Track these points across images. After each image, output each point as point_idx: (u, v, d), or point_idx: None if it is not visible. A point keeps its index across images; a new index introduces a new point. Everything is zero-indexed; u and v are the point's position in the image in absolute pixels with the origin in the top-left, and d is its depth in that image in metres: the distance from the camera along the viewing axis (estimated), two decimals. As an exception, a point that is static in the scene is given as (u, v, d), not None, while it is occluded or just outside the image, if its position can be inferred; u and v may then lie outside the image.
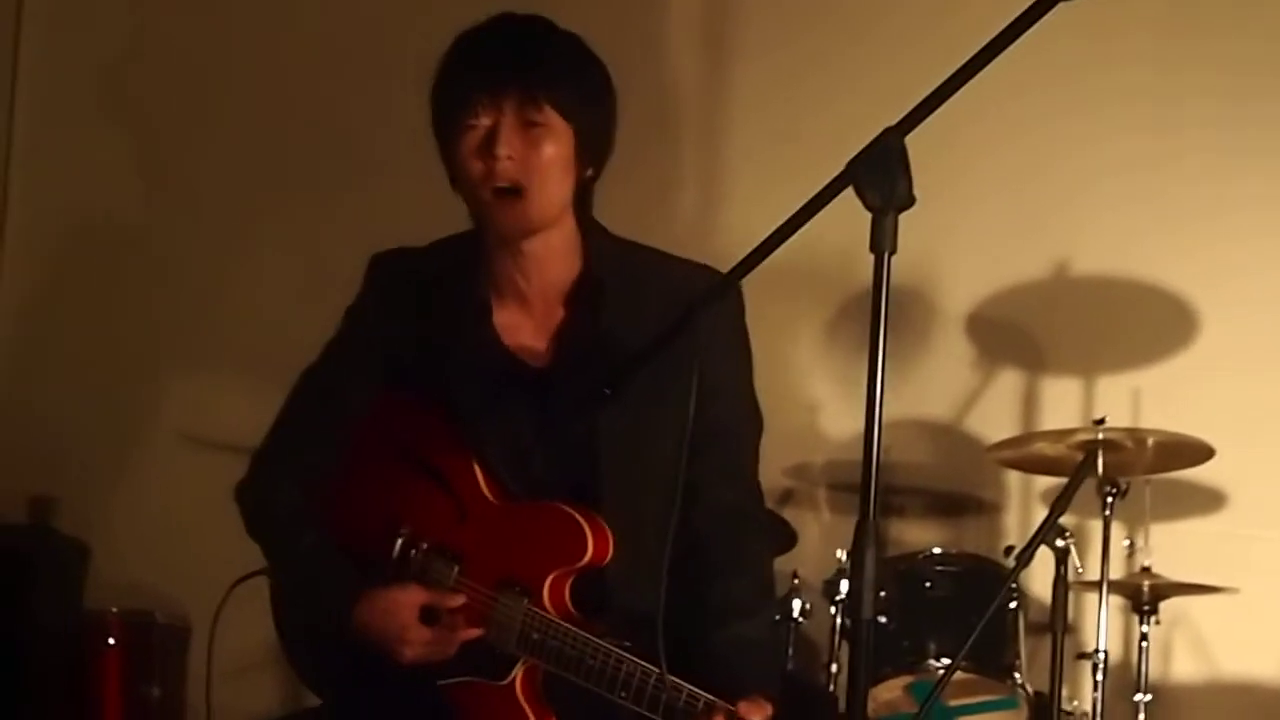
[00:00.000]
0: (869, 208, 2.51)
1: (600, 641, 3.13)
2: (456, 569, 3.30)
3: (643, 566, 3.12)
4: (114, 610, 5.52)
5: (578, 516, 3.22)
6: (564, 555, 3.23)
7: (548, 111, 3.20)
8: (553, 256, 3.32)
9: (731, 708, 3.03)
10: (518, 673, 3.24)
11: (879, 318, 2.49)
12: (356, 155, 5.89)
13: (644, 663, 3.06)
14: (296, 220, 5.92)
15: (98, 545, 5.84)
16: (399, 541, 3.35)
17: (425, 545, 3.34)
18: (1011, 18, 2.43)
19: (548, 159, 3.21)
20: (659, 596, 2.89)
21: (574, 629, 3.16)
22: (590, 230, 3.38)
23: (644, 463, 3.22)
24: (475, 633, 3.26)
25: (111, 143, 6.14)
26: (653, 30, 5.69)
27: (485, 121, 3.21)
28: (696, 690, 3.04)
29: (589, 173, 3.31)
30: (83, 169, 6.13)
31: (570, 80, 3.25)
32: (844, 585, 4.62)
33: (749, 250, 2.76)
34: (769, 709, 3.09)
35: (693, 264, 3.36)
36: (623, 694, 3.09)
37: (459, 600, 3.28)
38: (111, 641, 5.42)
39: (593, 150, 3.30)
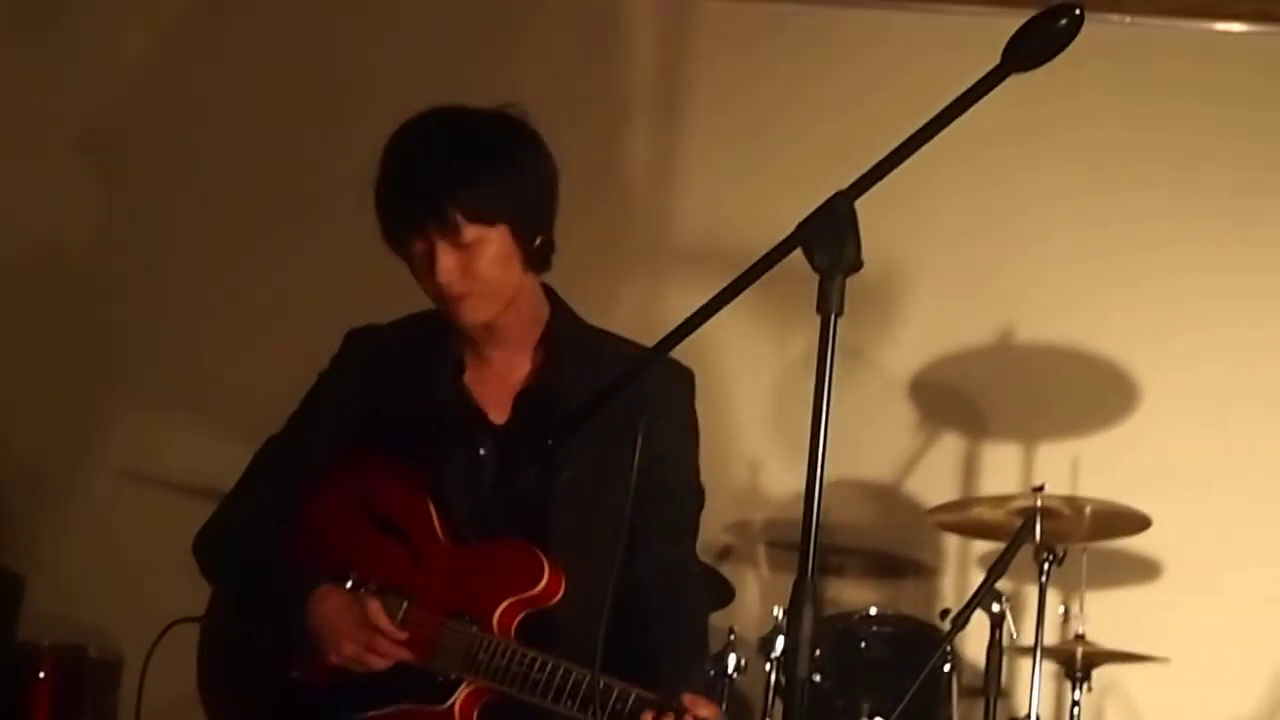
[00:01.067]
0: (816, 269, 2.52)
1: (547, 656, 3.20)
2: (406, 604, 3.34)
3: (589, 613, 3.14)
4: (47, 643, 5.48)
5: (537, 550, 3.32)
6: (518, 584, 3.30)
7: (473, 229, 3.29)
8: (517, 323, 3.45)
9: (675, 704, 3.09)
10: (459, 697, 3.28)
11: (823, 378, 2.50)
12: (318, 197, 5.88)
13: (587, 671, 3.13)
14: (254, 261, 5.90)
15: (33, 577, 5.79)
16: (348, 584, 3.38)
17: (374, 586, 3.37)
18: (961, 78, 2.45)
19: (485, 264, 3.32)
20: (599, 621, 2.96)
21: (521, 646, 3.23)
22: (554, 297, 3.52)
23: (594, 516, 3.30)
24: (405, 653, 3.29)
25: (68, 172, 6.09)
26: (598, 95, 5.71)
27: (420, 247, 3.32)
28: (643, 691, 3.11)
29: (537, 241, 3.41)
30: (37, 196, 6.08)
31: (489, 187, 3.32)
32: (780, 642, 4.62)
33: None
34: (715, 708, 3.16)
35: (643, 347, 3.41)
36: (568, 703, 3.15)
37: (402, 635, 3.31)
38: (43, 675, 5.37)
39: (532, 227, 3.39)
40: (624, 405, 3.07)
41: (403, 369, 3.50)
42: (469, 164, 3.33)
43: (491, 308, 3.36)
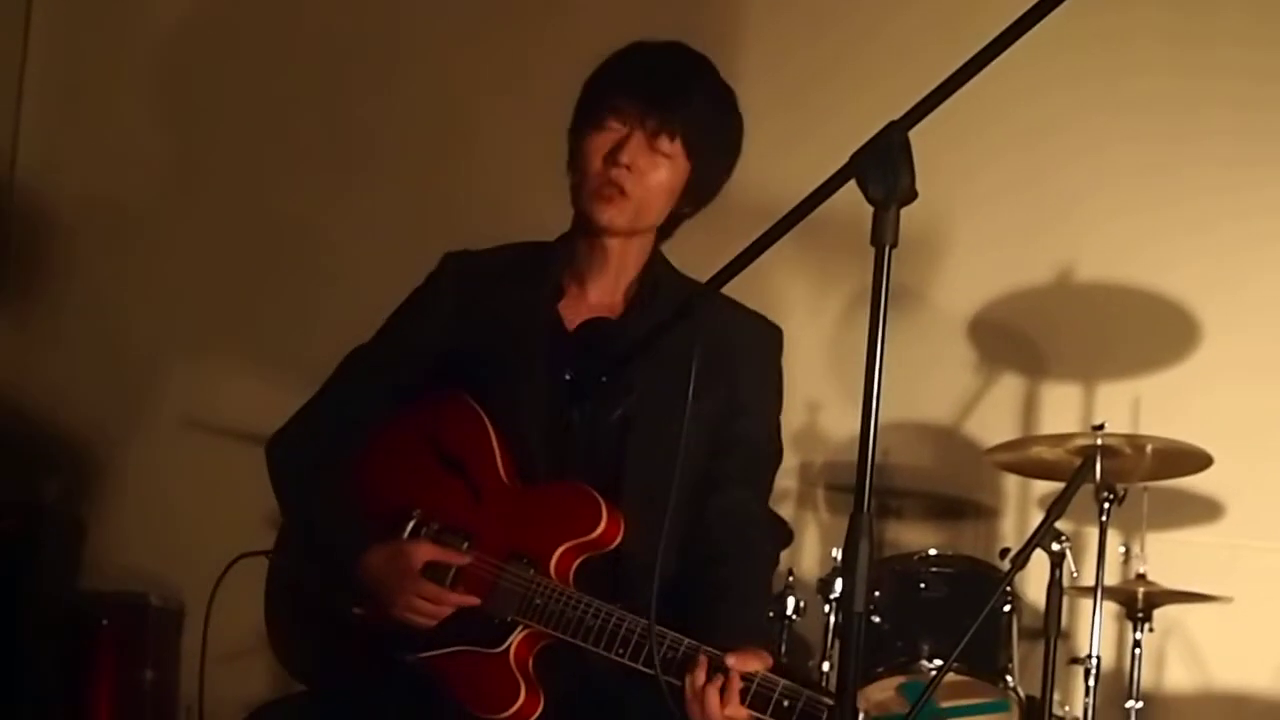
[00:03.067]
0: (870, 201, 2.53)
1: (602, 602, 3.21)
2: (466, 544, 3.35)
3: (652, 560, 3.14)
4: (109, 592, 5.52)
5: (595, 494, 3.31)
6: (576, 528, 3.30)
7: (676, 145, 3.41)
8: (625, 261, 3.50)
9: (725, 656, 3.10)
10: (514, 640, 3.28)
11: (878, 309, 2.50)
12: (376, 148, 5.90)
13: (642, 620, 3.14)
14: (307, 210, 5.92)
15: (94, 527, 5.84)
16: (411, 523, 3.39)
17: (436, 526, 3.38)
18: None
19: (659, 183, 3.41)
20: (658, 553, 3.04)
21: (577, 592, 3.24)
22: (658, 253, 3.57)
23: (666, 459, 3.24)
24: (472, 600, 3.30)
25: (126, 121, 6.14)
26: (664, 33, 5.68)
27: (620, 128, 3.41)
28: (694, 642, 3.12)
29: (686, 209, 3.52)
30: (94, 146, 6.13)
31: (708, 131, 3.46)
32: (839, 584, 4.62)
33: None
34: (768, 658, 3.16)
35: (744, 307, 3.55)
36: (620, 650, 3.16)
37: (465, 559, 3.33)
38: (105, 623, 5.42)
39: (700, 193, 3.50)
40: (707, 358, 3.18)
41: (499, 291, 3.52)
42: (710, 101, 3.48)
43: (631, 221, 3.42)
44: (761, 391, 3.53)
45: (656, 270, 3.53)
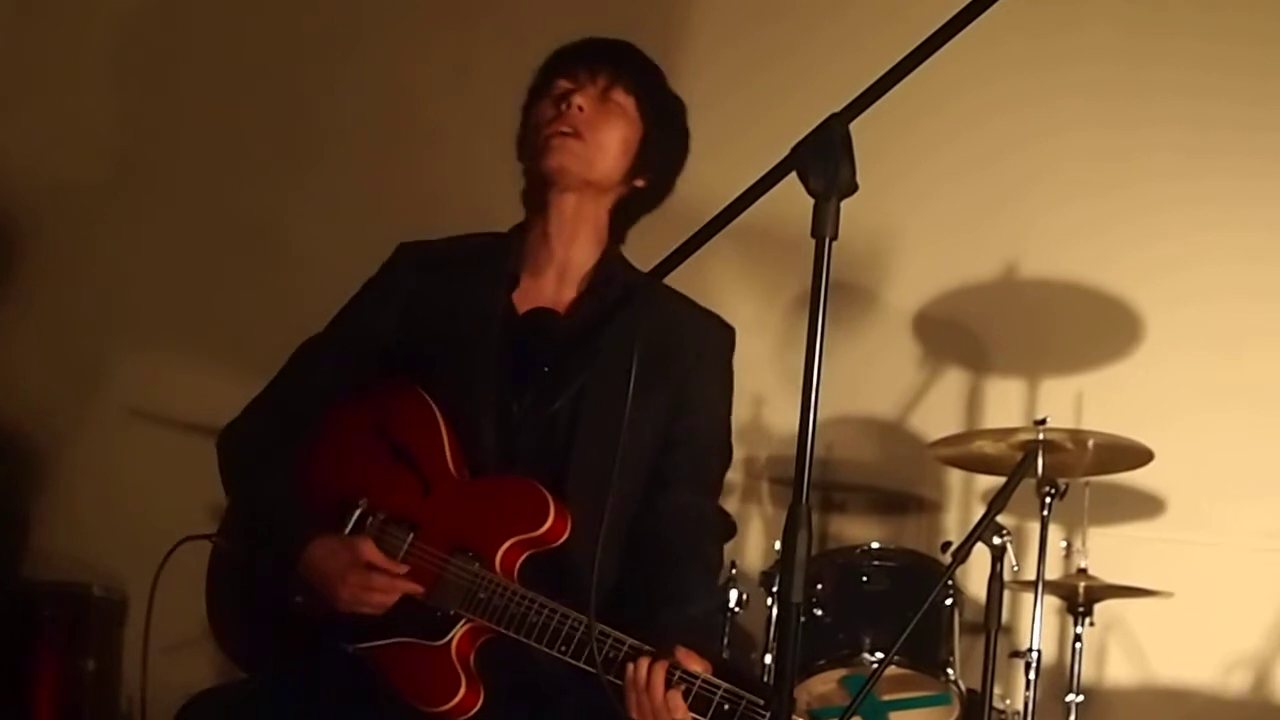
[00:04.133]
0: (811, 193, 2.55)
1: (545, 599, 3.21)
2: (411, 536, 3.35)
3: (596, 553, 3.15)
4: (51, 582, 5.49)
5: (543, 490, 3.32)
6: (523, 523, 3.31)
7: (629, 99, 3.48)
8: (579, 227, 3.52)
9: (668, 654, 3.12)
10: (457, 633, 3.29)
11: (818, 302, 2.51)
12: (323, 136, 5.89)
13: (583, 617, 3.16)
14: (259, 200, 5.90)
15: (38, 516, 5.81)
16: (356, 511, 3.39)
17: (382, 516, 3.39)
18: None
19: (611, 130, 3.47)
20: (595, 557, 3.06)
21: (521, 588, 3.24)
22: (613, 246, 3.59)
23: (615, 455, 3.24)
24: (415, 588, 3.31)
25: (76, 106, 6.10)
26: (605, 23, 5.68)
27: (564, 86, 3.47)
28: (637, 642, 3.14)
29: (639, 182, 3.53)
30: (44, 131, 6.09)
31: (656, 98, 3.54)
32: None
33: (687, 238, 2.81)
34: (708, 664, 3.17)
35: (696, 305, 3.59)
36: (562, 648, 3.18)
37: (402, 568, 3.33)
38: (47, 613, 5.39)
39: (651, 162, 3.53)
40: (656, 354, 3.25)
41: (452, 281, 3.52)
42: (656, 81, 3.57)
43: (583, 166, 3.44)
44: (712, 390, 3.56)
45: (611, 263, 3.54)
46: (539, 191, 3.50)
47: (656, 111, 3.51)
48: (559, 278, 3.51)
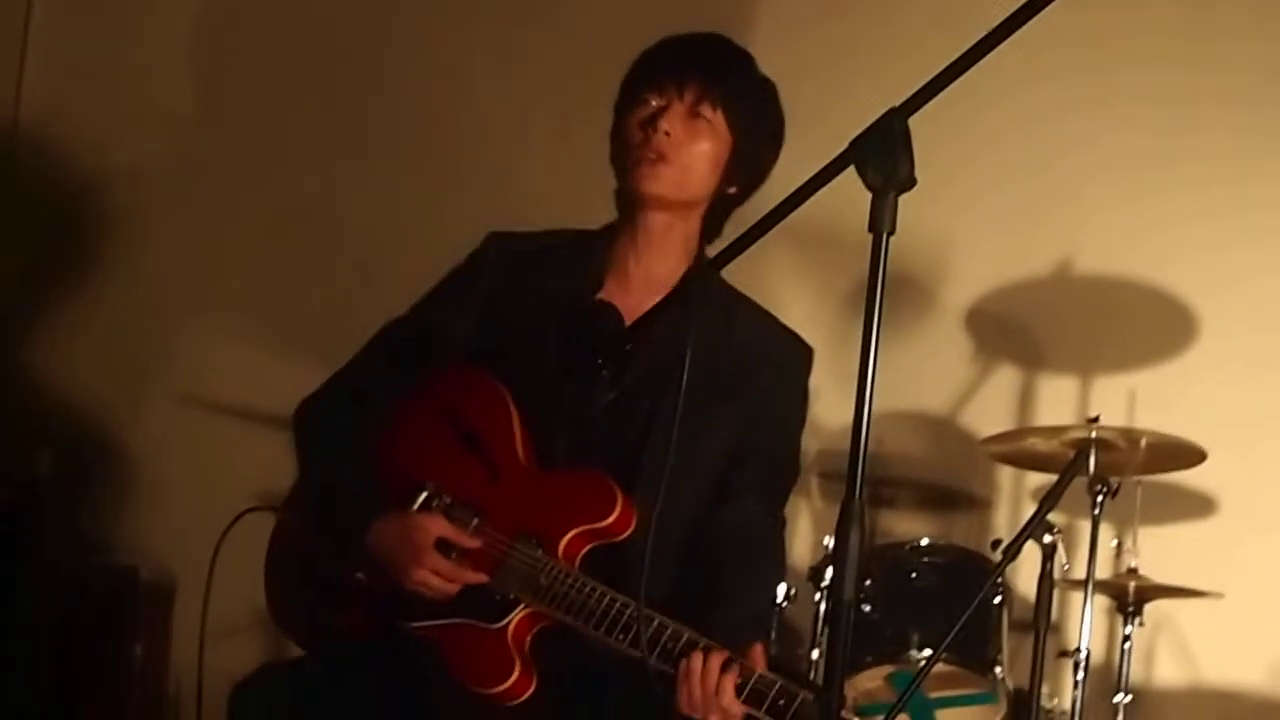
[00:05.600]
0: (869, 187, 2.53)
1: (606, 587, 3.22)
2: (476, 520, 3.37)
3: (660, 553, 3.16)
4: (100, 565, 5.52)
5: (611, 482, 3.33)
6: (588, 514, 3.32)
7: (717, 114, 3.44)
8: (668, 244, 3.51)
9: (724, 650, 3.12)
10: (514, 618, 3.30)
11: (874, 297, 2.50)
12: (386, 126, 5.89)
13: (645, 608, 3.15)
14: (319, 186, 5.92)
15: (87, 500, 5.83)
16: (423, 494, 3.40)
17: (448, 499, 3.40)
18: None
19: (701, 149, 3.43)
20: (646, 550, 3.07)
21: (583, 575, 3.26)
22: (702, 255, 3.56)
23: (687, 461, 3.30)
24: (481, 577, 3.32)
25: (151, 92, 6.11)
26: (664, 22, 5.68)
27: (659, 102, 3.43)
28: (695, 634, 3.14)
29: (731, 189, 3.52)
30: (120, 115, 6.10)
31: (750, 104, 3.50)
32: (830, 572, 4.61)
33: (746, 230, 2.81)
34: (762, 663, 3.18)
35: (778, 321, 3.61)
36: (620, 636, 3.18)
37: (475, 542, 3.35)
38: (96, 596, 5.42)
39: (743, 170, 3.51)
40: (736, 367, 3.34)
41: (537, 275, 3.53)
42: (751, 82, 3.53)
43: (675, 188, 3.42)
44: (789, 408, 3.58)
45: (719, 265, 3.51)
46: (629, 204, 3.51)
47: (747, 119, 3.48)
48: (643, 289, 3.48)
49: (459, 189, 5.68)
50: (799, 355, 3.61)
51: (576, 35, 5.66)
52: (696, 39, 3.55)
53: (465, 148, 5.84)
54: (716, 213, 3.55)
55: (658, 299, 3.40)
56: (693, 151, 3.41)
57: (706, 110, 3.41)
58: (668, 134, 3.39)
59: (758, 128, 3.51)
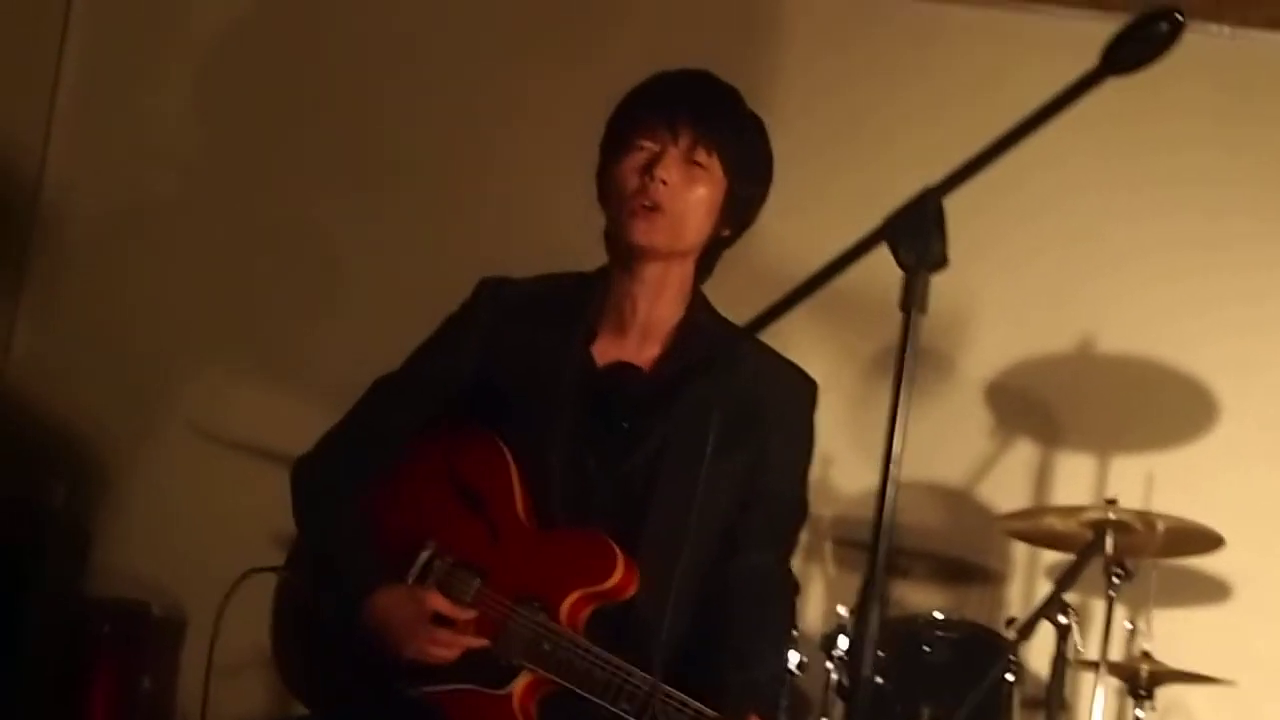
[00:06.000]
0: (902, 266, 2.51)
1: (610, 655, 3.19)
2: (478, 582, 3.35)
3: (666, 612, 3.13)
4: (111, 599, 5.51)
5: (611, 543, 3.30)
6: (590, 576, 3.29)
7: (712, 159, 3.39)
8: (665, 291, 3.47)
9: None
10: (518, 684, 3.28)
11: (903, 377, 2.48)
12: (396, 164, 5.89)
13: (650, 678, 3.13)
14: (330, 225, 5.92)
15: (99, 533, 5.82)
16: (425, 554, 3.39)
17: (449, 560, 3.38)
18: (1054, 88, 2.41)
19: (698, 197, 3.39)
20: (665, 615, 3.07)
21: (585, 642, 3.23)
22: (699, 295, 3.54)
23: (688, 517, 3.24)
24: (481, 642, 3.30)
25: (153, 123, 6.12)
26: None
27: (653, 147, 3.39)
28: (701, 707, 3.12)
29: (725, 233, 3.48)
30: (126, 150, 6.11)
31: (742, 145, 3.46)
32: (842, 641, 4.59)
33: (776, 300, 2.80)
34: None
35: (779, 356, 3.53)
36: (625, 707, 3.16)
37: (470, 614, 3.33)
38: (106, 630, 5.41)
39: (737, 213, 3.48)
40: (738, 413, 3.23)
41: (532, 325, 3.49)
42: (741, 121, 3.48)
43: (673, 234, 3.38)
44: (791, 447, 3.52)
45: (697, 317, 3.49)
46: (623, 252, 3.46)
47: (741, 161, 3.45)
48: (642, 336, 3.46)
49: (472, 228, 5.68)
50: (802, 392, 3.54)
51: (582, 79, 5.65)
52: (684, 77, 3.50)
53: (476, 187, 5.83)
54: (709, 254, 3.51)
55: (655, 345, 3.45)
56: (689, 199, 3.37)
57: (701, 155, 3.37)
58: (664, 182, 3.34)
59: (751, 169, 3.48)
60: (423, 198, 5.87)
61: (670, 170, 3.35)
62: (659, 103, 3.43)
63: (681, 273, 3.47)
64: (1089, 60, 2.36)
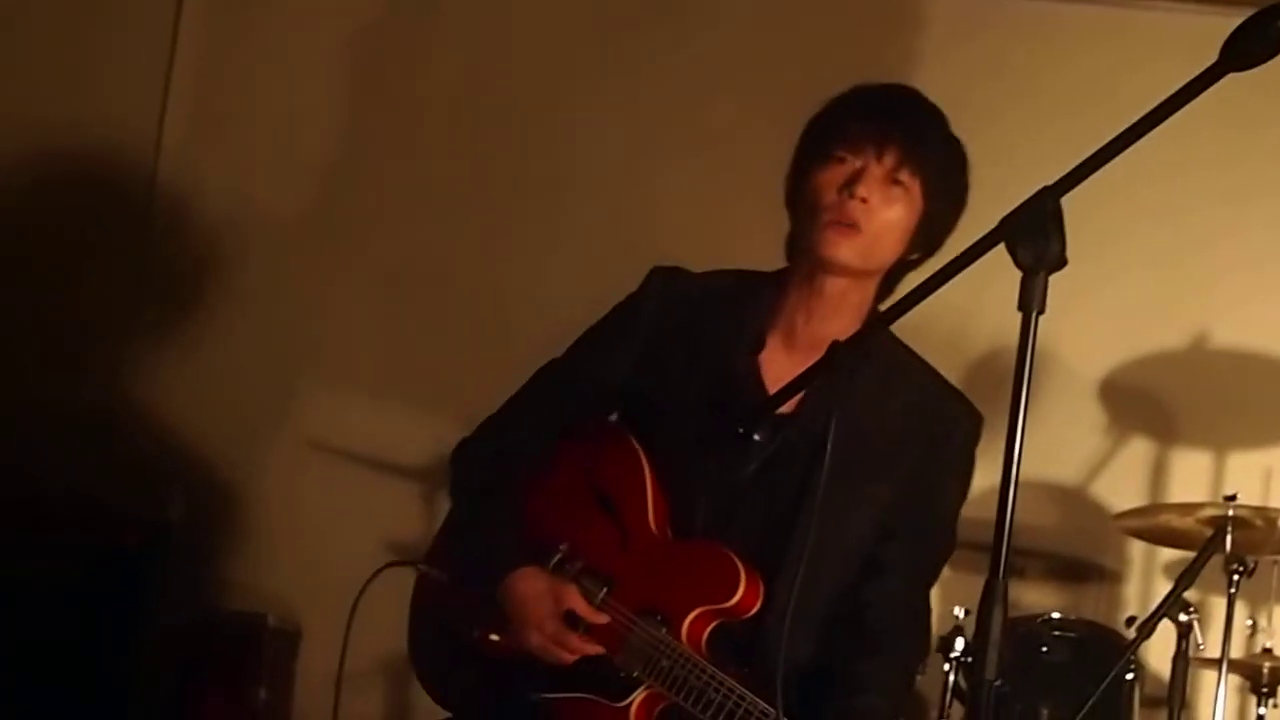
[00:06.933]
0: (1020, 266, 2.50)
1: (726, 677, 3.15)
2: (605, 590, 3.33)
3: (792, 631, 3.11)
4: (227, 611, 5.56)
5: (736, 560, 3.25)
6: (712, 593, 3.25)
7: (915, 180, 3.27)
8: (843, 308, 3.35)
9: None
10: (637, 698, 3.26)
11: (1022, 376, 2.47)
12: (519, 185, 5.91)
13: (764, 704, 3.09)
14: (453, 245, 5.94)
15: (217, 546, 5.87)
16: (556, 557, 3.38)
17: (579, 564, 3.37)
18: (1172, 86, 2.39)
19: (895, 218, 3.27)
20: (780, 647, 3.01)
21: (704, 661, 3.19)
22: (876, 315, 3.41)
23: (829, 534, 3.19)
24: (598, 649, 3.29)
25: (280, 144, 6.15)
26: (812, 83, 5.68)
27: (856, 162, 3.26)
28: None
29: (914, 255, 3.36)
30: (250, 166, 6.14)
31: (945, 169, 3.33)
32: (959, 643, 4.57)
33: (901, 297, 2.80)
34: None
35: (948, 385, 3.44)
36: None
37: (603, 619, 3.32)
38: (222, 641, 5.46)
39: (929, 236, 3.34)
40: (889, 440, 3.21)
41: (699, 325, 3.42)
42: (947, 144, 3.36)
43: (863, 258, 3.27)
44: (944, 480, 3.39)
45: (872, 336, 3.33)
46: (807, 264, 3.35)
47: (941, 185, 3.32)
48: (810, 350, 3.28)
49: (587, 240, 5.68)
50: (963, 425, 3.38)
51: (704, 76, 5.64)
52: (892, 93, 3.39)
53: (590, 198, 5.84)
54: (894, 275, 3.39)
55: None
56: (886, 220, 3.25)
57: (905, 176, 3.25)
58: (864, 200, 3.23)
59: (949, 194, 3.35)
60: (541, 209, 5.87)
61: (872, 188, 3.24)
62: (868, 116, 3.30)
63: (863, 291, 3.36)
64: (1208, 58, 2.33)
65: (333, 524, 5.65)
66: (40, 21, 6.11)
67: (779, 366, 3.34)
